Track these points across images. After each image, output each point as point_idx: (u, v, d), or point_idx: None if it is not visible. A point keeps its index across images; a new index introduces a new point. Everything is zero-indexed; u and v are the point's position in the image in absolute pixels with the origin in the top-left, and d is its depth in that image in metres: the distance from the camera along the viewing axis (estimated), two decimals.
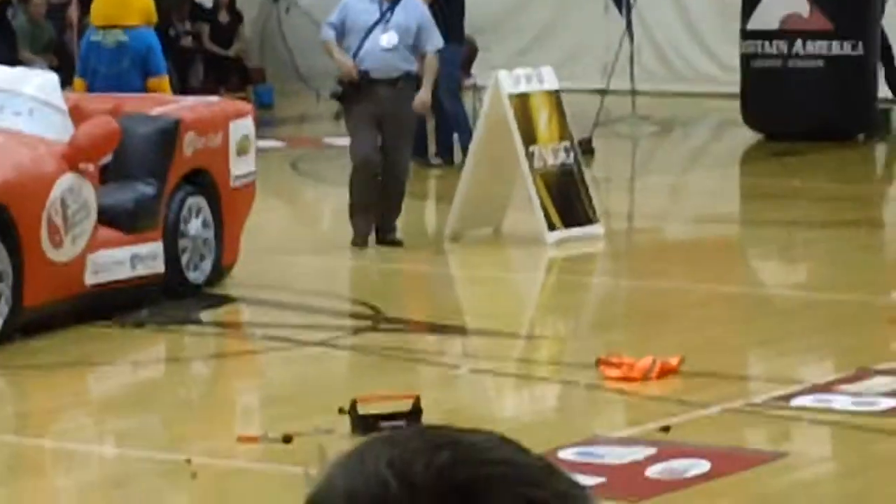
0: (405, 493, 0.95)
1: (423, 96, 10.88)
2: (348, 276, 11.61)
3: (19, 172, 9.23)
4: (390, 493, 0.95)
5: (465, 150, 12.67)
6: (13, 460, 7.79)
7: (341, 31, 10.80)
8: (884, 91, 16.49)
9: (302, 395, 8.58)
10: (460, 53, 14.65)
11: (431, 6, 12.72)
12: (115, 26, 11.22)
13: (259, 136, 11.37)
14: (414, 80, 10.86)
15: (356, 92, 10.62)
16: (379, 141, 10.74)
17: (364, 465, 0.97)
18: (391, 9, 10.69)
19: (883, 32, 15.95)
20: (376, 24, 10.65)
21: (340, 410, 7.36)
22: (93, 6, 11.54)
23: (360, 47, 10.62)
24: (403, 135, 10.96)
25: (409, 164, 11.39)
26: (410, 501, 0.96)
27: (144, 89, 11.10)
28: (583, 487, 0.96)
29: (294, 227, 13.19)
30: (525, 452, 0.96)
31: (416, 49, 10.84)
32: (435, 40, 10.97)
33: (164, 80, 11.59)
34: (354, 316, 10.21)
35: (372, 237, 11.19)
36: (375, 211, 10.87)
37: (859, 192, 14.42)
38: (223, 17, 19.08)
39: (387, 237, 11.04)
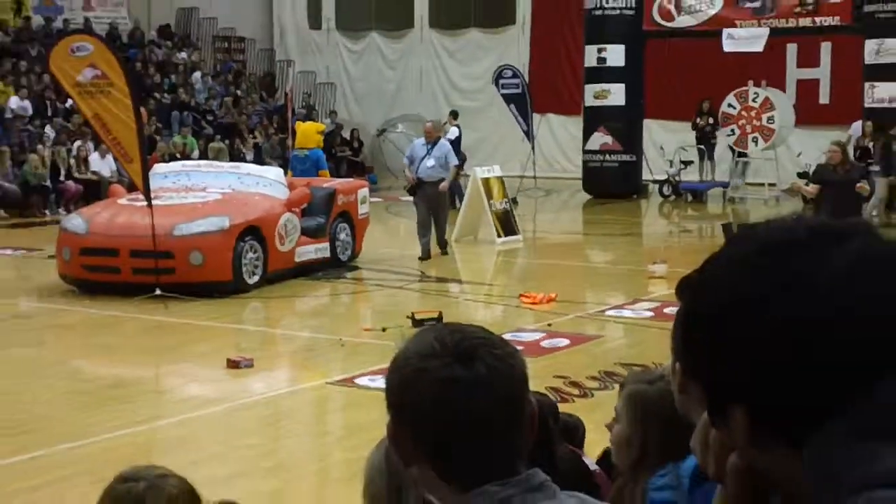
0: (440, 349, 1.54)
1: (444, 185, 15.50)
2: (411, 256, 15.57)
3: (266, 212, 13.47)
4: (435, 351, 1.54)
5: (461, 202, 18.43)
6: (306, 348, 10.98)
7: (410, 159, 15.79)
8: (645, 176, 24.87)
9: (391, 310, 12.06)
10: (459, 160, 21.99)
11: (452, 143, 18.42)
12: (304, 148, 16.47)
13: (371, 196, 16.64)
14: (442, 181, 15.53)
15: (417, 189, 15.45)
16: (428, 211, 15.39)
17: (423, 337, 1.56)
18: (432, 147, 15.46)
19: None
20: (426, 154, 15.42)
21: (408, 317, 10.89)
22: (296, 139, 16.91)
23: (418, 167, 15.42)
24: (442, 207, 15.59)
25: (446, 218, 15.88)
26: (442, 354, 1.54)
27: (317, 175, 16.24)
28: (516, 350, 1.58)
29: (385, 238, 17.09)
30: (492, 334, 1.57)
31: (446, 165, 15.56)
32: (452, 160, 15.81)
33: (327, 172, 16.82)
34: (412, 275, 14.53)
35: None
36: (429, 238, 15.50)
37: (632, 220, 21.79)
38: (355, 143, 29.18)
39: (443, 250, 15.73)
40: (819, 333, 1.04)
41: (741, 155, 24.02)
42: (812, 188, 13.14)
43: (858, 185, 12.46)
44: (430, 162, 15.56)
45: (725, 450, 1.17)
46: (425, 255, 15.43)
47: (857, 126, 22.57)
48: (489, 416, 1.52)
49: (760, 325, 1.06)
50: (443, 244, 15.90)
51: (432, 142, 15.71)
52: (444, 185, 15.65)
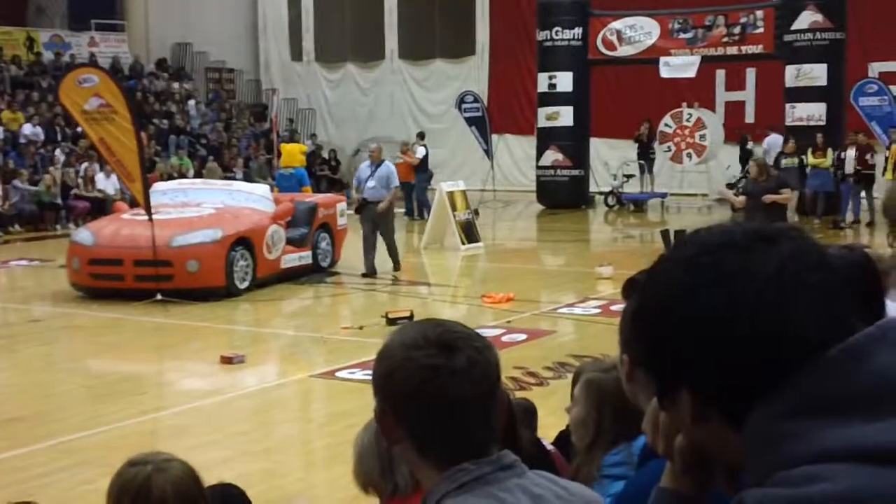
0: (424, 342, 1.55)
1: (382, 206, 14.18)
2: (384, 262, 14.85)
3: (255, 224, 13.39)
4: (420, 342, 1.55)
5: (429, 213, 18.66)
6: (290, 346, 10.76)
7: (358, 180, 14.77)
8: (592, 188, 24.89)
9: (367, 310, 12.06)
10: (427, 176, 22.73)
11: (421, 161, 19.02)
12: (289, 167, 16.45)
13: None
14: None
15: (363, 208, 14.32)
16: (373, 230, 14.24)
17: (408, 330, 1.58)
18: (375, 169, 14.41)
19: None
20: (369, 175, 14.42)
21: (382, 316, 10.95)
22: (281, 159, 16.87)
23: (363, 187, 14.41)
24: (385, 225, 14.34)
25: (392, 235, 14.61)
26: (426, 346, 1.53)
27: (301, 191, 16.24)
28: (491, 344, 1.60)
29: (361, 246, 15.39)
30: (469, 329, 1.58)
31: (388, 186, 14.39)
32: (393, 182, 14.58)
33: (310, 188, 17.24)
34: (385, 279, 14.35)
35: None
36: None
37: (580, 227, 21.59)
38: (333, 161, 28.52)
39: (395, 264, 14.59)
40: (751, 321, 1.04)
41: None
42: (739, 199, 13.27)
43: (776, 195, 12.42)
44: (371, 183, 14.54)
45: (673, 430, 1.18)
46: (370, 271, 14.36)
47: (770, 140, 22.77)
48: (467, 401, 1.52)
49: (699, 313, 1.06)
50: (395, 259, 14.79)
51: (376, 164, 14.68)
52: (381, 206, 14.40)
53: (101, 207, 20.80)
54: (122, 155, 12.84)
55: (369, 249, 14.42)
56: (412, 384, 1.51)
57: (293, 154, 17.82)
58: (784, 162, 20.93)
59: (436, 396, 1.51)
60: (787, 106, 22.62)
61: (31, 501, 2.27)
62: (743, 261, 1.07)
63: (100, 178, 22.53)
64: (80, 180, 22.59)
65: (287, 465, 7.06)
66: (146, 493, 2.46)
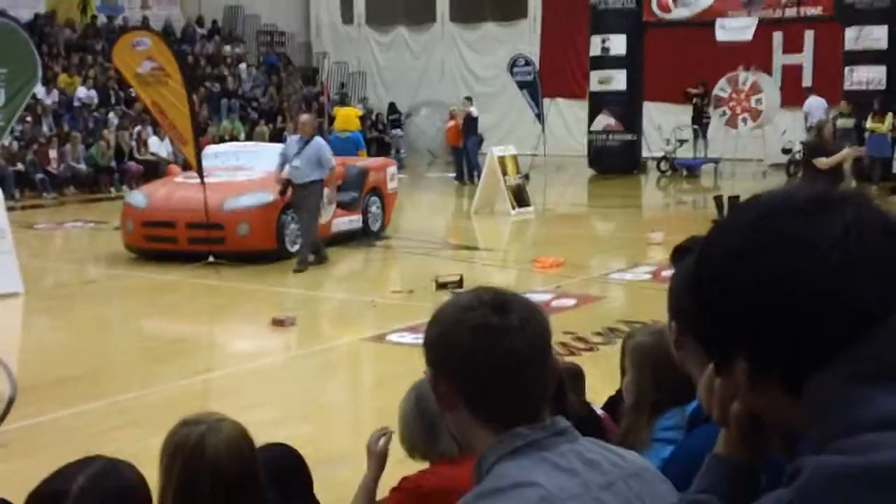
0: (477, 303, 1.54)
1: (328, 192, 12.43)
2: (434, 227, 15.96)
3: None
4: (474, 304, 1.55)
5: (479, 178, 18.91)
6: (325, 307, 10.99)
7: (284, 156, 12.41)
8: (644, 154, 24.43)
9: (416, 274, 12.08)
10: (477, 140, 22.71)
11: (465, 121, 19.14)
12: (345, 130, 16.52)
13: (399, 173, 16.65)
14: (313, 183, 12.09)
15: (291, 192, 12.24)
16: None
17: (460, 296, 1.61)
18: (304, 145, 12.24)
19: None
20: (297, 153, 12.19)
21: (432, 280, 11.01)
22: (335, 122, 17.02)
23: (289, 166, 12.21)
24: (308, 211, 12.21)
25: (314, 225, 12.38)
26: (479, 307, 1.55)
27: (357, 155, 16.31)
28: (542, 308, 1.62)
29: (411, 211, 17.15)
30: (516, 294, 1.60)
31: (317, 165, 12.06)
32: (328, 163, 12.17)
33: (365, 152, 16.97)
34: (436, 243, 14.55)
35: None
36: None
37: (632, 193, 21.58)
38: (380, 125, 28.55)
39: (301, 263, 12.22)
40: (814, 287, 1.02)
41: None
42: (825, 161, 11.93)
43: (830, 159, 11.79)
44: (297, 161, 12.17)
45: (729, 397, 1.17)
46: (301, 265, 12.33)
47: (811, 102, 22.39)
48: (521, 360, 1.52)
49: (759, 278, 1.05)
50: (306, 251, 12.38)
51: (305, 140, 12.34)
52: (327, 193, 12.45)
53: (154, 170, 21.01)
54: (175, 118, 12.94)
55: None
56: (466, 344, 1.51)
57: (349, 118, 17.80)
58: (840, 122, 20.50)
59: (490, 355, 1.50)
60: (846, 70, 22.21)
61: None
62: (806, 225, 1.05)
63: (153, 141, 22.75)
64: (133, 143, 22.82)
65: (335, 429, 7.13)
66: (200, 453, 2.50)
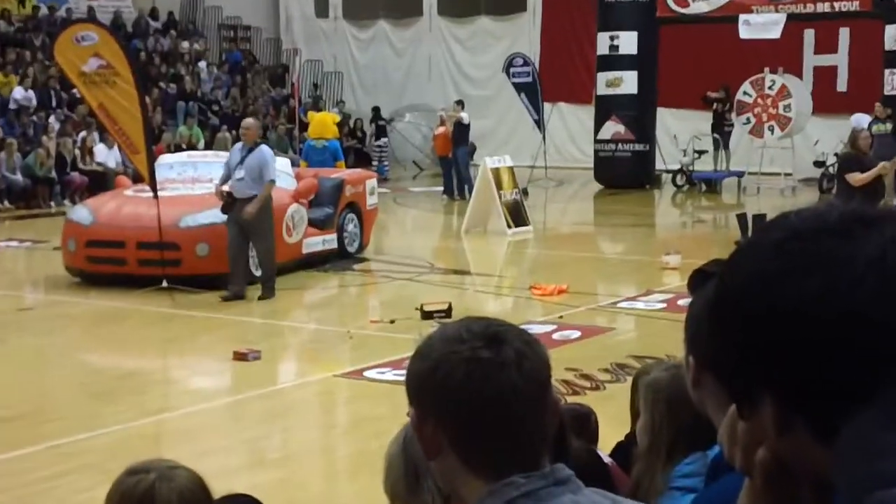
0: (467, 335, 1.56)
1: (250, 209, 11.81)
2: (419, 248, 15.86)
3: (273, 203, 12.51)
4: (463, 336, 1.56)
5: (471, 193, 18.83)
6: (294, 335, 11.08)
7: (227, 167, 12.32)
8: (658, 166, 24.77)
9: (399, 302, 12.07)
10: (469, 150, 22.99)
11: (455, 128, 19.04)
12: (322, 138, 16.43)
13: (379, 187, 16.68)
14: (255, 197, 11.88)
15: (231, 206, 11.93)
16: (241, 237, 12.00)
17: (448, 327, 1.60)
18: (247, 154, 12.13)
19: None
20: (239, 163, 12.09)
21: (417, 309, 10.92)
22: (309, 128, 16.87)
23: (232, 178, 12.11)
24: (259, 231, 12.07)
25: (269, 245, 12.28)
26: (469, 339, 1.54)
27: (334, 165, 16.39)
28: (539, 340, 1.60)
29: (394, 230, 17.40)
30: (510, 324, 1.59)
31: (259, 179, 11.97)
32: (269, 175, 12.03)
33: (343, 163, 16.92)
34: (421, 267, 14.48)
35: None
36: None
37: (644, 210, 21.84)
38: (359, 133, 28.95)
39: (265, 290, 12.14)
40: (848, 314, 1.02)
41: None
42: (860, 176, 11.84)
43: (865, 174, 11.78)
44: (239, 173, 12.06)
45: (754, 442, 1.16)
46: (232, 294, 12.10)
47: (857, 117, 22.38)
48: (517, 399, 1.51)
49: (787, 305, 1.04)
50: (267, 275, 12.29)
51: (248, 147, 12.25)
52: (248, 210, 11.88)
53: (100, 182, 21.01)
54: (125, 123, 12.99)
55: (235, 264, 12.13)
56: (455, 380, 1.50)
57: (326, 124, 17.68)
58: (875, 128, 20.58)
59: (482, 393, 1.50)
60: (886, 72, 22.35)
61: None
62: (839, 246, 1.04)
63: (99, 149, 22.77)
64: (77, 151, 22.82)
65: (306, 476, 7.14)
66: None
